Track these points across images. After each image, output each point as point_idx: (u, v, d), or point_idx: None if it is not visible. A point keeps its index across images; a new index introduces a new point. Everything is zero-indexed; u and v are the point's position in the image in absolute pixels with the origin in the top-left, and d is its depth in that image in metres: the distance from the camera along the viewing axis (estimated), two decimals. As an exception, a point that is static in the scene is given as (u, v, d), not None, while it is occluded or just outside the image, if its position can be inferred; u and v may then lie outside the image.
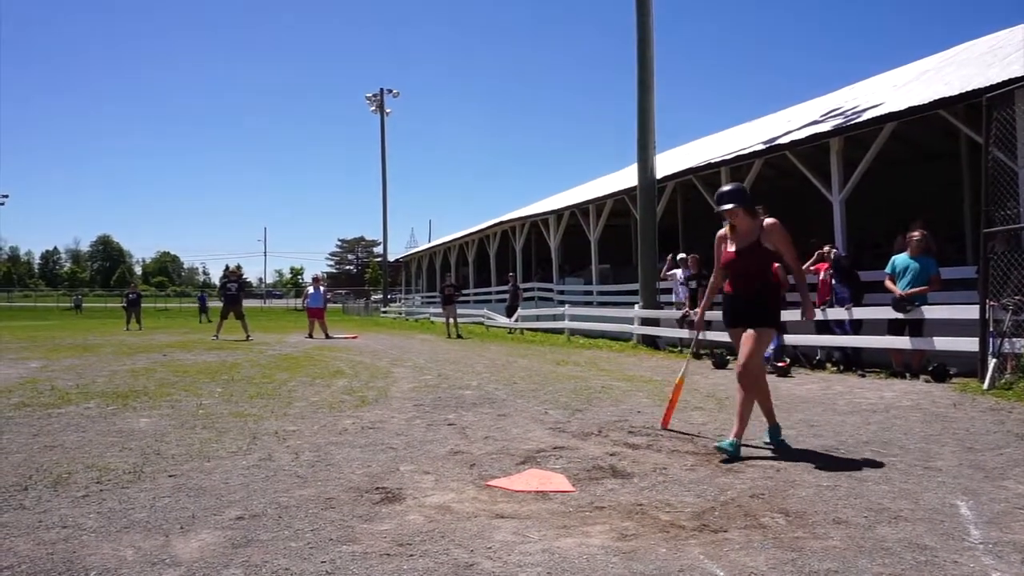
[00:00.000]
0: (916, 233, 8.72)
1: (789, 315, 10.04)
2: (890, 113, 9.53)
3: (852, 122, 10.35)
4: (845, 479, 3.89)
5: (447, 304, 19.31)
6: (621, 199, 16.98)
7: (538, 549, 2.83)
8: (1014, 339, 7.27)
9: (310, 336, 18.05)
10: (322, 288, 19.27)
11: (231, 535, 2.99)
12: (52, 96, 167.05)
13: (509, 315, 20.64)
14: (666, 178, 14.42)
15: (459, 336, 18.72)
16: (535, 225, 22.84)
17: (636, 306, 14.39)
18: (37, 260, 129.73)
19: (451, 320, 19.18)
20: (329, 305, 19.78)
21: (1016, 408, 6.14)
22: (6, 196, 66.05)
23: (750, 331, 4.55)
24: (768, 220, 4.68)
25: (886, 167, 12.98)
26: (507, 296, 21.28)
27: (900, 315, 8.65)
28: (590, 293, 18.94)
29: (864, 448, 4.67)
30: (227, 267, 19.22)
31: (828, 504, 3.42)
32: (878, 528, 3.06)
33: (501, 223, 25.20)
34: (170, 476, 3.96)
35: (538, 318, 18.99)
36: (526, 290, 22.56)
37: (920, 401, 6.69)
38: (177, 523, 3.15)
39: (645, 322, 14.11)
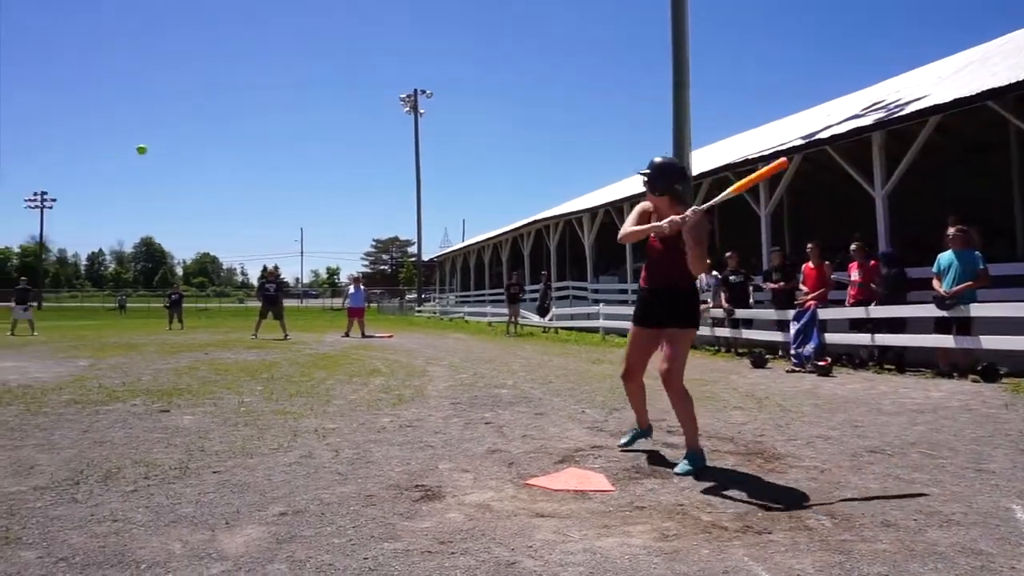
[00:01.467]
0: (953, 228, 8.52)
1: (833, 313, 9.90)
2: (935, 105, 9.28)
3: (895, 115, 10.10)
4: (892, 481, 3.79)
5: (512, 303, 19.57)
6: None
7: (579, 548, 2.81)
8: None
9: (347, 335, 18.26)
10: (362, 287, 19.51)
11: (275, 531, 3.04)
12: (96, 100, 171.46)
13: (540, 314, 20.64)
14: (702, 175, 14.25)
15: (518, 335, 18.90)
16: (569, 224, 22.78)
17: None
18: (83, 262, 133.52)
19: (514, 319, 19.46)
20: (366, 304, 20.02)
21: (1072, 409, 5.93)
22: (54, 200, 68.15)
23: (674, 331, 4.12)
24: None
25: (931, 160, 12.65)
26: (538, 295, 21.28)
27: (944, 313, 8.43)
28: (625, 291, 18.80)
29: (911, 450, 4.55)
30: (265, 268, 19.62)
31: (875, 507, 3.34)
32: (929, 532, 2.98)
33: (535, 222, 25.19)
34: (214, 472, 4.04)
35: (572, 317, 18.92)
36: (560, 288, 22.52)
37: (969, 402, 6.50)
38: (223, 518, 3.21)
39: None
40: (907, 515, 3.20)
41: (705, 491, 3.63)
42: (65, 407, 6.40)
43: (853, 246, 9.99)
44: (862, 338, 9.81)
